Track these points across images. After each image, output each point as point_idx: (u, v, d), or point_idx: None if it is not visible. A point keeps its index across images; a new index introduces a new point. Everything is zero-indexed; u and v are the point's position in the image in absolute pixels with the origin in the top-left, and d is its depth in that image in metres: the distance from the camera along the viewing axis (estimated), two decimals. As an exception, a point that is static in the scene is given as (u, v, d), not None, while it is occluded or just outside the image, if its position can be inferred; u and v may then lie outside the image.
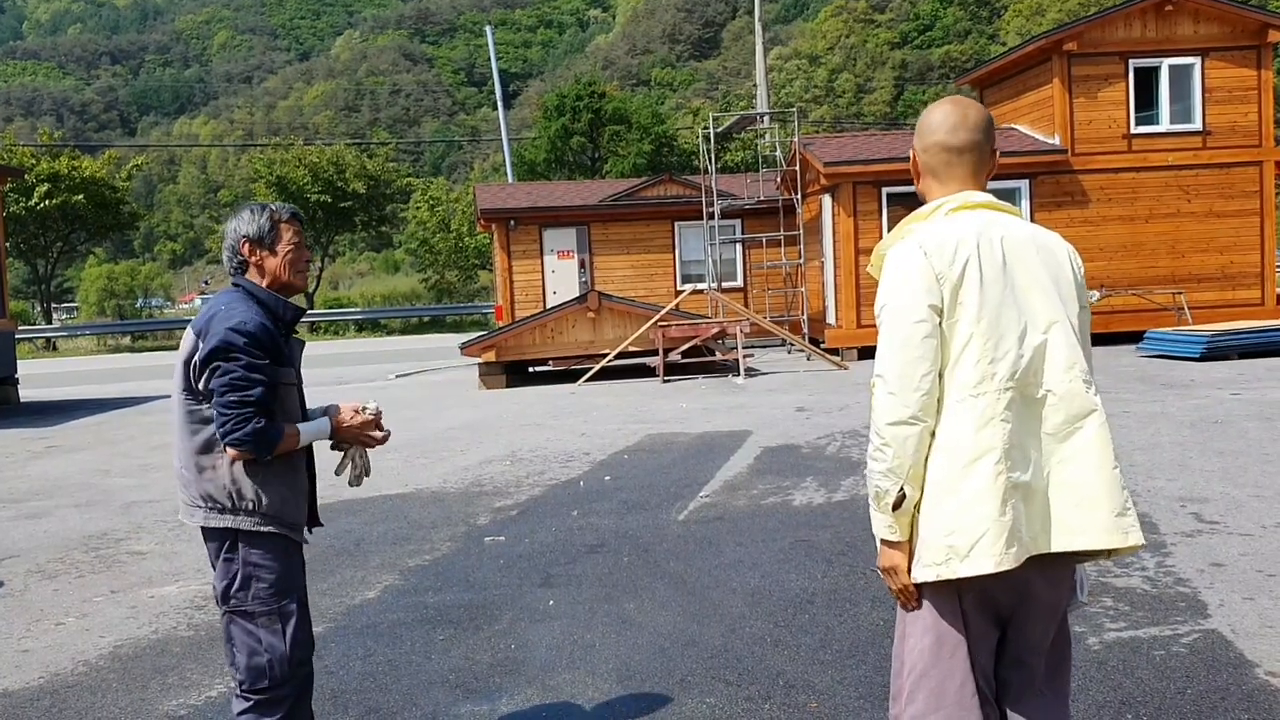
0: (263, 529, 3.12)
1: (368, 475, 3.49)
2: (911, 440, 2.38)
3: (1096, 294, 17.76)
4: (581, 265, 22.91)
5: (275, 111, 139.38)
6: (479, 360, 16.76)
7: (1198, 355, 14.74)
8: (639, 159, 43.78)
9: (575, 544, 6.59)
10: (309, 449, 3.35)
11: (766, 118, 25.09)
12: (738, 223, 22.94)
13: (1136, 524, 2.46)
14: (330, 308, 41.36)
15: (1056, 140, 18.40)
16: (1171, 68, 18.25)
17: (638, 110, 48.30)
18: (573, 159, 46.21)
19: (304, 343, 3.45)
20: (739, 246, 23.17)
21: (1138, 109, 18.39)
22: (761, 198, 22.19)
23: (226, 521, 3.11)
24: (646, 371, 17.03)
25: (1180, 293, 17.97)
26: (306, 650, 3.25)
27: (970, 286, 2.39)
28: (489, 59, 39.30)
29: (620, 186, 25.54)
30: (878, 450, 2.41)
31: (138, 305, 54.71)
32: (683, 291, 20.65)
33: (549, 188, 27.66)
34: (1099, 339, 17.82)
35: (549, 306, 19.58)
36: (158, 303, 63.85)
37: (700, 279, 22.14)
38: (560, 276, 22.69)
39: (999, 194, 16.62)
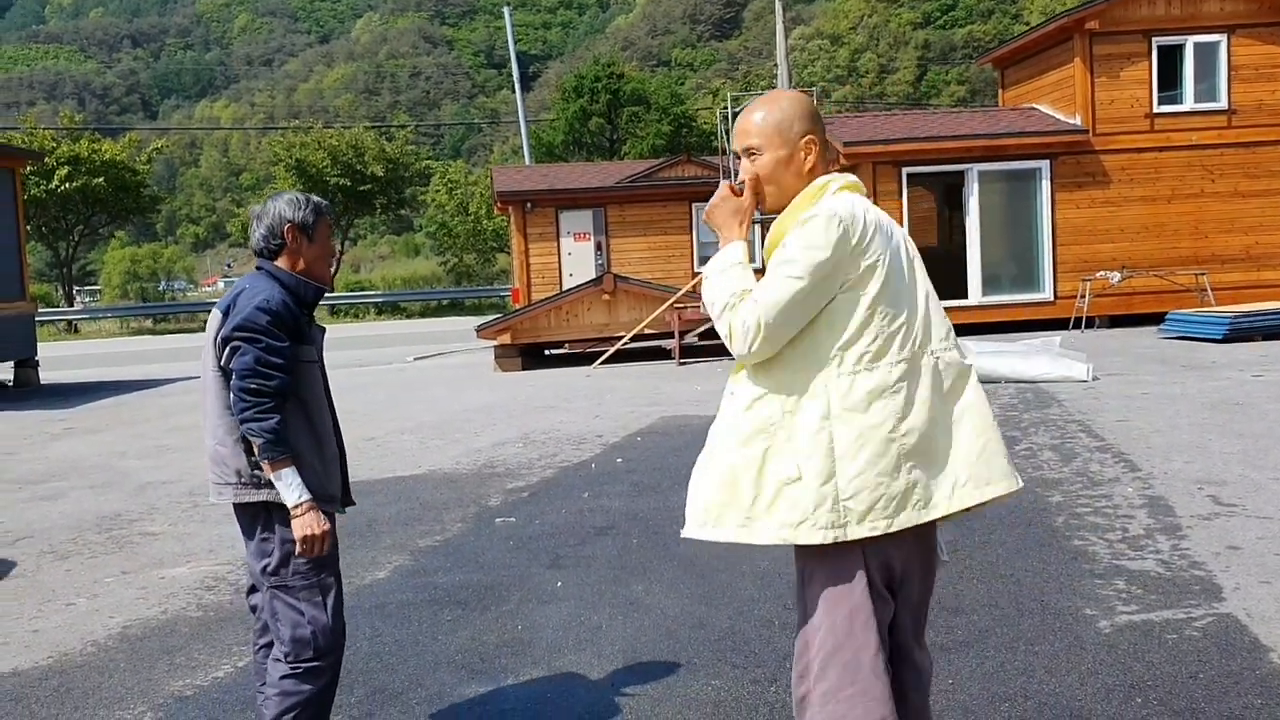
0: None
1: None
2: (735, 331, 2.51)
3: (1117, 275, 17.59)
4: (598, 247, 22.85)
5: (296, 94, 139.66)
6: (495, 343, 16.76)
7: (1220, 337, 14.57)
8: (658, 140, 43.62)
9: (585, 526, 6.57)
10: (336, 421, 3.45)
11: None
12: (756, 204, 22.81)
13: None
14: (351, 291, 41.46)
15: (1078, 120, 18.18)
16: (1196, 45, 17.98)
17: (656, 91, 48.11)
18: (591, 141, 46.08)
19: (324, 329, 3.50)
20: (757, 228, 23.05)
21: (1161, 88, 18.13)
22: (780, 179, 22.07)
23: (261, 496, 3.16)
24: (662, 354, 16.98)
25: (1203, 274, 17.76)
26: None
27: (876, 262, 2.49)
28: (508, 40, 39.17)
29: (637, 168, 25.44)
30: (729, 325, 2.51)
31: (160, 288, 55.03)
32: (699, 274, 20.59)
33: (566, 170, 27.58)
34: (1120, 320, 17.66)
35: (565, 289, 19.53)
36: (180, 285, 64.20)
37: (718, 261, 22.04)
38: (577, 259, 22.64)
39: (1019, 174, 16.40)
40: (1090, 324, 17.50)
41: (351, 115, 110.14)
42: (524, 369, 16.43)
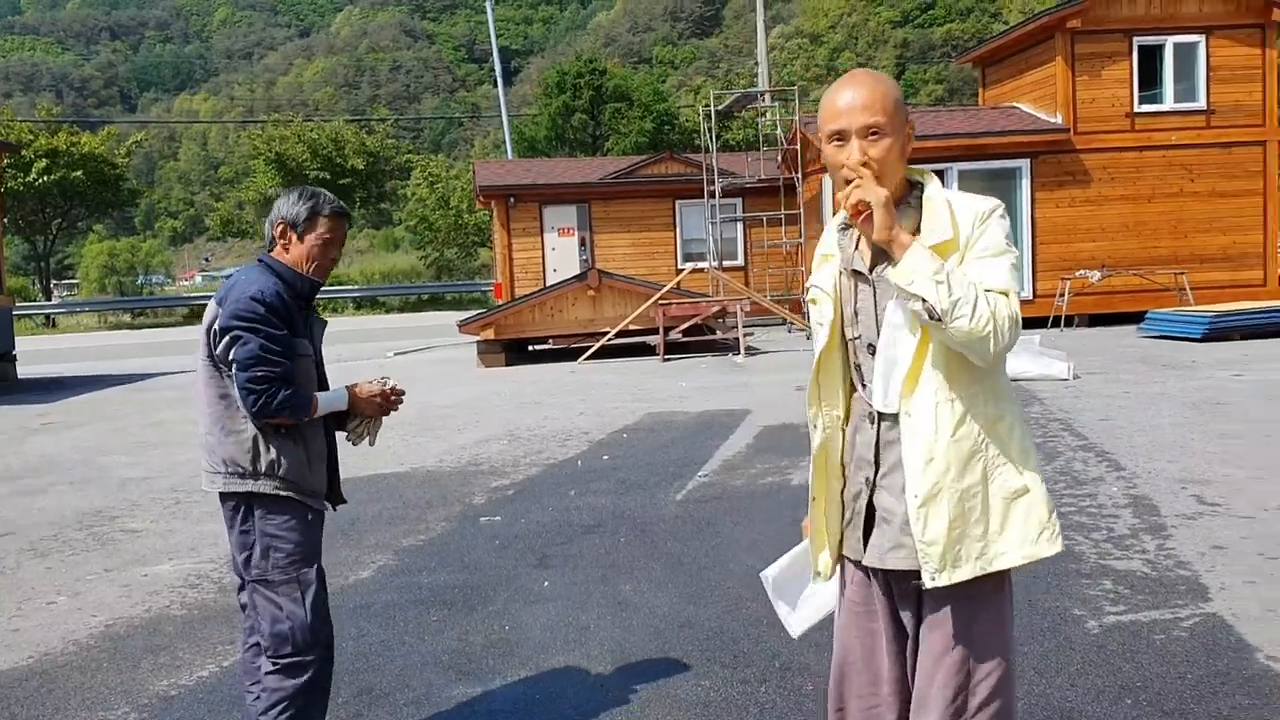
0: (281, 493, 3.17)
1: (371, 443, 3.54)
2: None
3: (1097, 274, 17.67)
4: (582, 243, 22.83)
5: (275, 88, 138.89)
6: (478, 338, 16.70)
7: (1199, 336, 14.67)
8: (640, 137, 43.58)
9: (572, 524, 6.55)
10: (327, 420, 3.40)
11: (767, 96, 24.92)
12: (739, 201, 22.84)
13: None
14: (329, 285, 41.26)
15: (1059, 119, 18.27)
16: (1176, 46, 18.10)
17: (639, 88, 48.05)
18: (574, 136, 45.99)
19: (325, 322, 3.54)
20: (740, 225, 23.08)
21: (1141, 87, 18.24)
22: (762, 177, 22.07)
23: (246, 486, 3.16)
24: (647, 350, 16.97)
25: (1182, 273, 17.88)
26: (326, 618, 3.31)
27: None
28: (489, 35, 39.05)
29: (621, 164, 25.42)
30: (997, 328, 2.24)
31: (138, 282, 54.56)
32: (683, 270, 20.58)
33: (549, 164, 27.53)
34: (1100, 319, 17.75)
35: (549, 284, 19.49)
36: (159, 280, 63.66)
37: (701, 257, 22.06)
38: (560, 254, 22.61)
39: (1001, 173, 16.45)
40: (1070, 322, 17.59)
41: (331, 109, 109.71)
42: (507, 365, 16.39)
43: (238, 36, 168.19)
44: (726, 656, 4.29)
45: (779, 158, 22.24)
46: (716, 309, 16.63)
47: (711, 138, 21.54)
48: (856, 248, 2.44)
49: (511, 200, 22.59)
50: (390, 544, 6.31)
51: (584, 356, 16.29)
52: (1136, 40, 18.07)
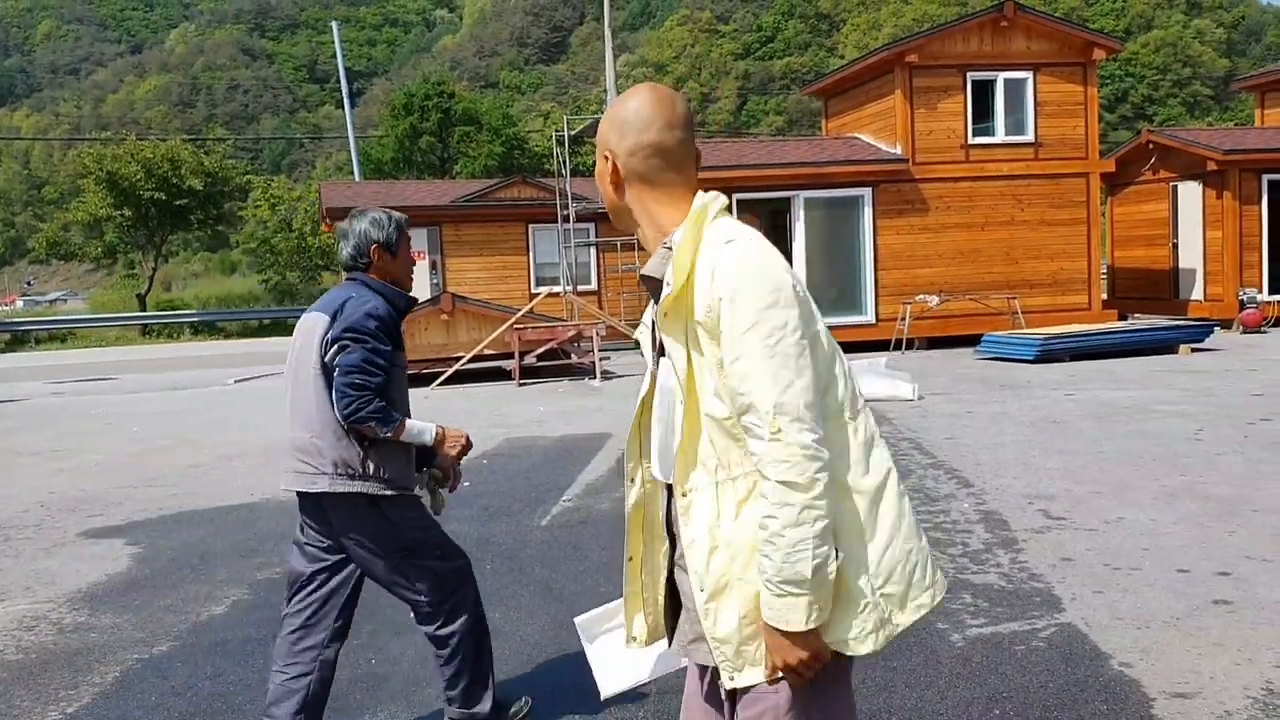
0: (387, 493, 3.52)
1: (442, 507, 3.85)
2: (829, 484, 1.90)
3: (935, 298, 18.38)
4: (433, 266, 22.52)
5: (105, 105, 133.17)
6: (326, 364, 16.24)
7: (1032, 358, 15.39)
8: (490, 160, 43.38)
9: (435, 552, 6.40)
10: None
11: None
12: (591, 226, 22.93)
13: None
14: (164, 310, 39.59)
15: (898, 150, 18.97)
16: (1006, 81, 19.04)
17: (488, 111, 47.88)
18: (421, 159, 45.46)
19: None
20: (593, 249, 23.16)
21: (975, 120, 19.12)
22: (614, 201, 22.21)
23: (356, 487, 3.47)
24: (503, 374, 16.82)
25: (1014, 297, 18.76)
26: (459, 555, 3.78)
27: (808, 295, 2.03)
28: (333, 55, 38.31)
29: (472, 187, 25.23)
30: (807, 509, 1.85)
31: (-48, 307, 51.33)
32: (538, 294, 20.50)
33: (398, 186, 27.10)
34: (938, 342, 18.46)
35: (399, 309, 19.11)
36: (-26, 304, 60.03)
37: (554, 281, 22.03)
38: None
39: (843, 201, 16.89)
40: (910, 345, 18.23)
41: (165, 128, 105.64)
42: (356, 391, 15.97)
43: (64, 51, 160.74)
44: (603, 682, 4.25)
45: (630, 183, 22.45)
46: (572, 333, 16.61)
47: (564, 162, 21.58)
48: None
49: (360, 223, 22.12)
50: (244, 577, 6.05)
51: (437, 382, 16.04)
52: (970, 75, 18.94)
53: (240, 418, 13.68)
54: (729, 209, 2.09)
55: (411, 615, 3.78)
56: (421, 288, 21.79)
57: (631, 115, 2.08)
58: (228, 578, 6.06)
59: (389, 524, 3.55)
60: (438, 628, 3.69)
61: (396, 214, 3.68)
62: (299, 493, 3.58)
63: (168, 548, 6.86)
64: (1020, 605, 4.95)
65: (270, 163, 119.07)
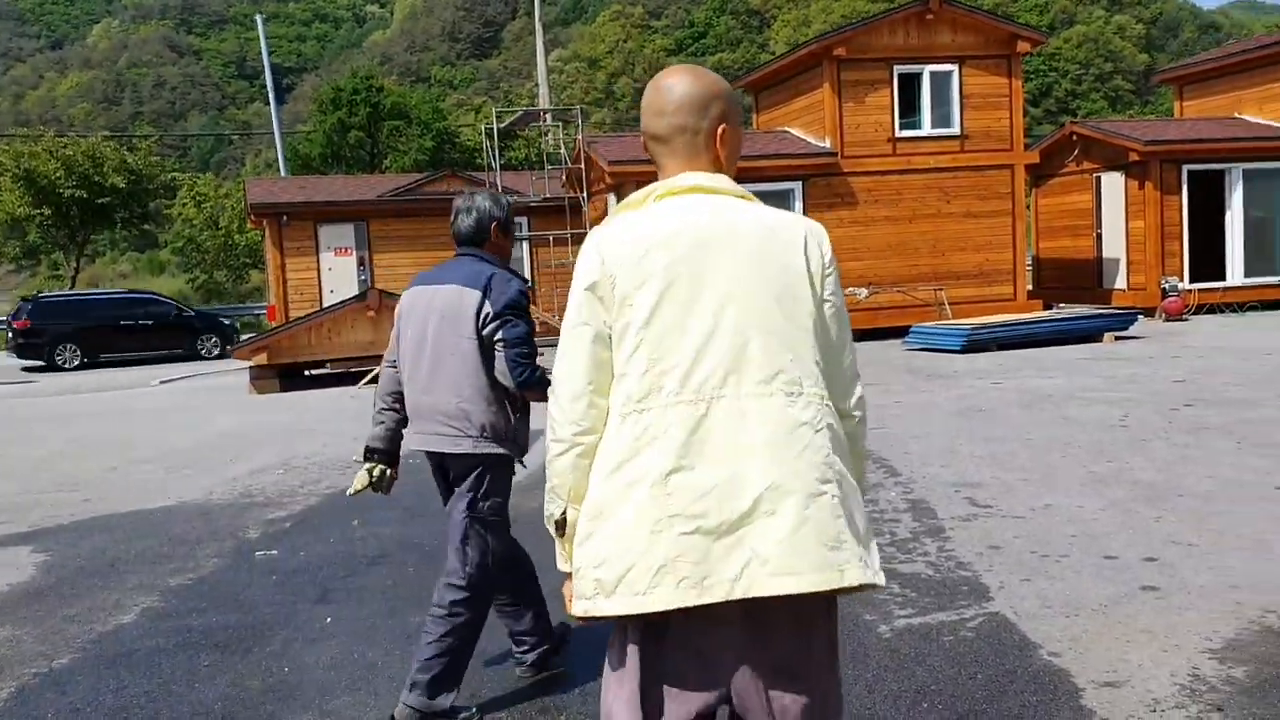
0: (516, 459, 3.90)
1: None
2: (568, 458, 2.13)
3: (864, 291, 18.47)
4: (361, 263, 22.16)
5: (25, 102, 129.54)
6: (250, 363, 15.88)
7: (959, 348, 15.51)
8: (420, 155, 42.86)
9: (356, 555, 6.22)
10: None
11: (550, 115, 24.95)
12: (524, 220, 22.71)
13: (856, 559, 2.02)
14: (88, 311, 38.44)
15: (827, 143, 19.02)
16: (933, 74, 19.17)
17: (418, 105, 47.28)
18: (350, 154, 44.78)
19: None
20: (525, 244, 22.95)
21: (902, 114, 19.23)
22: (547, 195, 22.03)
23: (496, 449, 3.77)
24: (430, 372, 16.57)
25: (941, 289, 18.92)
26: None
27: (646, 287, 2.07)
28: (260, 51, 37.59)
29: (400, 181, 24.88)
30: (549, 468, 2.17)
31: None
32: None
33: (325, 182, 26.64)
34: (868, 334, 18.54)
35: (326, 305, 18.78)
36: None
37: (484, 278, 21.75)
38: (338, 274, 21.88)
39: (774, 195, 16.87)
40: (844, 337, 18.26)
41: (88, 125, 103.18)
42: (283, 390, 15.63)
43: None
44: (523, 686, 4.12)
45: (563, 177, 22.26)
46: (502, 329, 16.41)
47: (494, 155, 21.35)
48: None
49: (284, 219, 21.71)
50: (155, 584, 5.82)
51: (364, 380, 15.74)
52: (897, 69, 19.04)
53: (163, 420, 13.31)
54: (678, 193, 2.19)
55: (443, 580, 3.87)
56: (349, 285, 21.43)
57: (642, 103, 2.30)
58: (138, 585, 5.83)
59: (496, 486, 3.85)
60: (453, 602, 3.79)
61: (506, 198, 3.98)
62: (429, 453, 3.86)
63: (76, 555, 6.59)
64: (948, 595, 4.91)
65: (199, 160, 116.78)
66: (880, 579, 2.07)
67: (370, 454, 4.05)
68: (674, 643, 2.07)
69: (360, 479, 4.08)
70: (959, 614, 4.65)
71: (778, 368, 2.06)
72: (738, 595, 1.97)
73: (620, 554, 2.02)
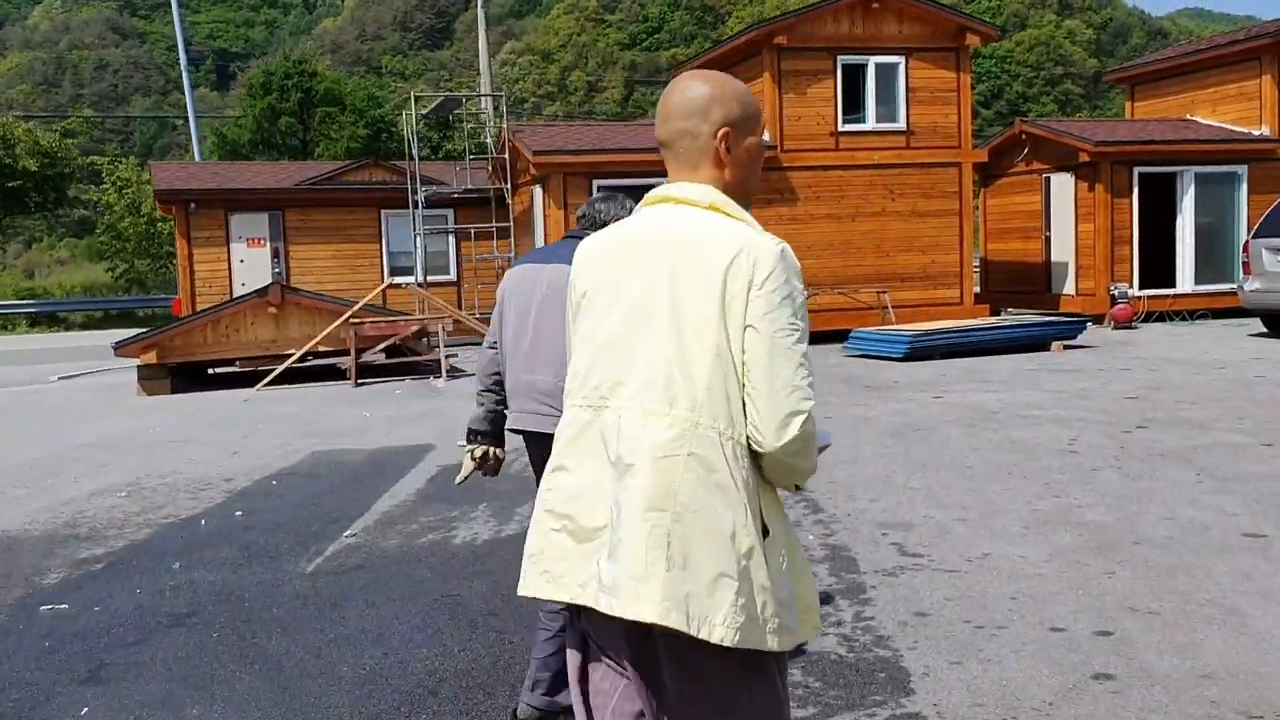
0: None
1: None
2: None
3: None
4: (275, 255, 20.91)
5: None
6: (139, 362, 14.63)
7: (901, 355, 14.64)
8: (353, 143, 41.44)
9: (158, 612, 5.16)
10: None
11: (484, 100, 23.79)
12: (450, 212, 21.59)
13: (660, 597, 1.90)
14: (23, 298, 36.66)
15: (766, 136, 18.09)
16: (878, 66, 18.27)
17: (353, 92, 45.83)
18: (281, 141, 43.21)
19: None
20: (451, 238, 21.82)
21: (845, 107, 18.32)
22: (470, 186, 20.89)
23: None
24: (339, 374, 15.46)
25: (884, 291, 18.08)
26: None
27: (579, 294, 2.20)
28: (207, 35, 36.13)
29: (321, 169, 23.60)
30: None
31: None
32: (394, 285, 19.07)
33: (239, 168, 25.22)
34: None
35: (232, 299, 17.56)
36: None
37: (409, 271, 20.64)
38: (250, 266, 20.60)
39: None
40: (782, 341, 17.38)
41: (27, 108, 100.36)
42: (174, 392, 14.42)
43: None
44: None
45: (489, 167, 21.13)
46: (415, 328, 15.33)
47: (413, 142, 20.20)
48: None
49: (192, 206, 20.40)
50: (-104, 653, 4.73)
51: (264, 382, 14.57)
52: (841, 59, 18.14)
53: (32, 425, 12.10)
54: (651, 204, 2.22)
55: None
56: (262, 277, 20.18)
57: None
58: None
59: None
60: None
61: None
62: (530, 434, 3.62)
63: None
64: (860, 684, 3.96)
65: (142, 145, 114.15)
66: (708, 633, 1.91)
67: (473, 436, 3.87)
68: (595, 629, 2.10)
69: (466, 464, 3.89)
70: (870, 714, 3.70)
71: (652, 383, 2.02)
72: (581, 602, 2.01)
73: (529, 538, 2.14)
